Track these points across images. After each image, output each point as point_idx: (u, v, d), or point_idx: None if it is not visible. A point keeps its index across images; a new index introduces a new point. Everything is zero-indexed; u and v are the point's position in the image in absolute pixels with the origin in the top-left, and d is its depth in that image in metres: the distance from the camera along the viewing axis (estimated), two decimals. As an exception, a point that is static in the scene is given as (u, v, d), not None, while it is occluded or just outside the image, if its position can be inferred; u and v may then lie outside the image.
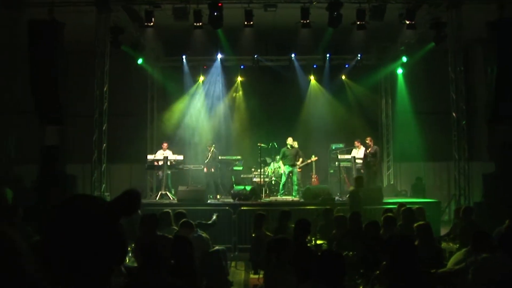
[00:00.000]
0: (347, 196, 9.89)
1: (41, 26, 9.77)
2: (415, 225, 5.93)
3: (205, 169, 13.41)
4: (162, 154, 13.01)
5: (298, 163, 13.01)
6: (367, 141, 12.51)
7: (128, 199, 1.63)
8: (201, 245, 6.20)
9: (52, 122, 10.55)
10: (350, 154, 13.38)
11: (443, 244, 7.04)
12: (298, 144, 13.23)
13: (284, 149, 13.02)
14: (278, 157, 14.01)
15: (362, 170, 12.64)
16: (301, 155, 13.16)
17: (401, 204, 8.41)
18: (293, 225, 6.11)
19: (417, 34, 12.41)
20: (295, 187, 12.79)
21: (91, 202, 1.54)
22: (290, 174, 12.91)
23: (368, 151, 12.44)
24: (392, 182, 15.41)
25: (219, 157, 13.47)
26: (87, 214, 1.48)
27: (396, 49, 14.27)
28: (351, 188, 9.69)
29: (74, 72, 13.35)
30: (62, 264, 1.38)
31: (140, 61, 13.90)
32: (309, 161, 13.40)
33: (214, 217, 8.16)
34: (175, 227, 6.64)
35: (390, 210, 8.06)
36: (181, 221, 6.49)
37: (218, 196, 12.59)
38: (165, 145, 13.37)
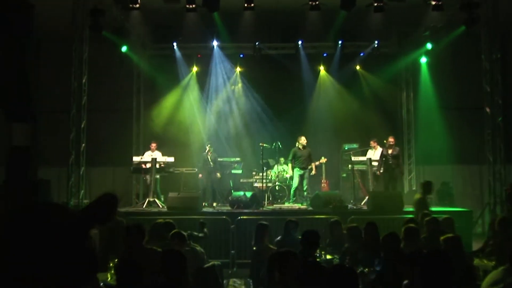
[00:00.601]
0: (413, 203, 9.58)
1: (6, 7, 9.67)
2: (442, 238, 5.83)
3: (199, 175, 13.35)
4: (150, 155, 12.96)
5: (312, 166, 12.95)
6: (390, 141, 12.32)
7: (103, 205, 1.58)
8: (195, 260, 6.13)
9: (21, 119, 10.46)
10: (365, 155, 13.28)
11: (476, 261, 6.92)
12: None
13: (295, 149, 12.91)
14: (282, 159, 13.95)
15: (378, 173, 12.50)
16: (312, 157, 13.11)
17: (425, 213, 8.31)
18: (299, 237, 6.04)
19: (445, 17, 12.29)
20: (304, 193, 12.73)
21: (55, 211, 1.49)
22: (301, 179, 12.85)
23: (390, 152, 12.26)
24: (414, 188, 15.27)
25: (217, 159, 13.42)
26: (48, 224, 1.43)
27: (420, 35, 14.14)
28: (417, 195, 9.49)
29: (47, 61, 13.31)
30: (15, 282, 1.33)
31: (124, 48, 13.82)
32: (317, 163, 13.30)
33: (206, 229, 8.11)
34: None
35: (412, 220, 7.95)
36: (172, 232, 6.43)
37: (214, 204, 12.53)
38: (153, 145, 13.32)
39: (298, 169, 12.80)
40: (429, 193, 9.33)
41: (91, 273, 1.58)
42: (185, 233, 6.55)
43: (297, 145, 12.96)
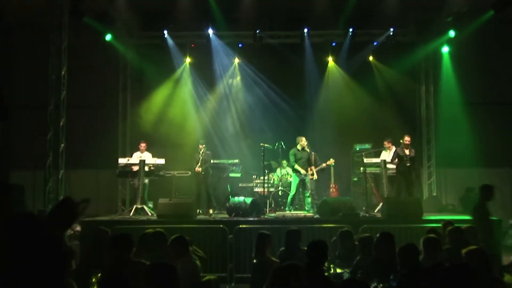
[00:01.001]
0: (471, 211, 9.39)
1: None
2: (464, 250, 5.76)
3: (196, 169, 13.17)
4: (139, 157, 12.89)
5: (312, 170, 12.88)
6: (406, 140, 12.24)
7: (61, 210, 1.75)
8: (188, 274, 6.11)
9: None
10: (379, 157, 13.21)
11: (507, 277, 6.86)
12: (311, 144, 13.08)
13: (294, 151, 12.82)
14: (285, 161, 13.88)
15: (393, 164, 12.38)
16: (312, 160, 13.06)
17: (447, 222, 8.25)
18: (305, 248, 6.01)
19: (470, 0, 12.21)
20: (308, 200, 12.68)
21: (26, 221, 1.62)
22: (301, 183, 12.81)
23: (408, 153, 12.21)
24: (434, 194, 15.26)
25: (211, 161, 13.35)
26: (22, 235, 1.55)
27: (441, 21, 14.11)
28: (475, 202, 9.36)
29: (21, 52, 13.22)
30: None
31: (108, 37, 13.81)
32: (324, 165, 13.23)
33: (200, 252, 8.06)
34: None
35: (432, 230, 7.91)
36: (174, 237, 6.43)
37: (211, 211, 12.50)
38: (143, 145, 13.24)
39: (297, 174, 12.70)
40: (489, 199, 9.05)
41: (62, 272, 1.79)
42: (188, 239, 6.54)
43: (296, 147, 12.86)
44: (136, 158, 12.91)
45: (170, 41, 15.05)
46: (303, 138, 12.85)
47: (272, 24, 15.09)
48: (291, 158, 12.79)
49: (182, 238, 6.41)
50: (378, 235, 6.60)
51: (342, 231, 8.10)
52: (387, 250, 6.42)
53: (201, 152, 13.04)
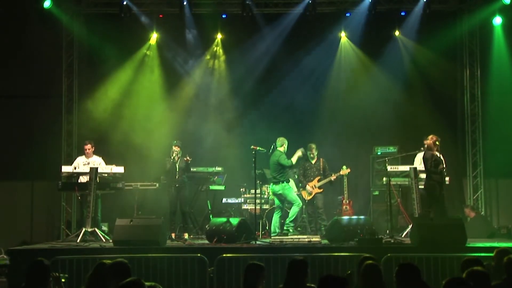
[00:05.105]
0: None
1: None
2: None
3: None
4: (85, 163, 12.78)
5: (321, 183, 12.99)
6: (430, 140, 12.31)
7: None
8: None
9: None
10: (412, 163, 13.10)
11: None
12: (317, 146, 13.21)
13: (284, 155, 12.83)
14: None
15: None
16: (326, 168, 13.14)
17: (501, 251, 8.24)
18: (312, 285, 6.02)
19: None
20: (320, 220, 12.75)
21: None
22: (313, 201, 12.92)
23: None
24: (482, 213, 15.27)
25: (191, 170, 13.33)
26: None
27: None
28: None
29: None
30: None
31: (47, 3, 13.82)
32: (333, 177, 13.28)
33: None
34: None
35: (479, 260, 7.92)
36: (124, 283, 6.39)
37: (186, 235, 12.53)
38: (88, 146, 12.90)
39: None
40: None
41: None
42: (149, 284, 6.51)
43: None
44: (83, 164, 12.79)
45: (131, 10, 14.99)
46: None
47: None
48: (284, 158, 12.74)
49: (137, 284, 6.36)
50: (397, 267, 6.59)
51: (363, 257, 8.00)
52: (414, 284, 6.37)
53: (175, 157, 12.90)
